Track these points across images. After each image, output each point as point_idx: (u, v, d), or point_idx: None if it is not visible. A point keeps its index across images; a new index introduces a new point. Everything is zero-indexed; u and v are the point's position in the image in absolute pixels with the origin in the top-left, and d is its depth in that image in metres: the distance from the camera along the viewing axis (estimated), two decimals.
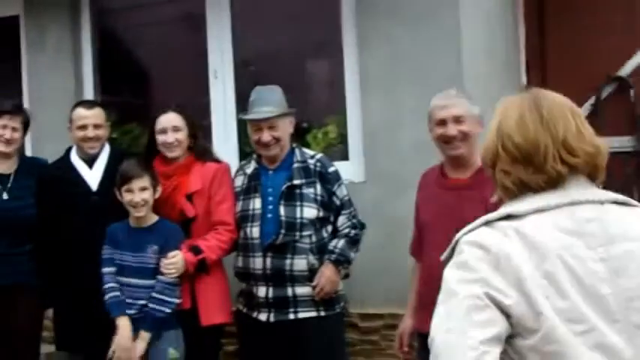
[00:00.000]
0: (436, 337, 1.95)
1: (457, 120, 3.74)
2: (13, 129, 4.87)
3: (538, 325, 1.90)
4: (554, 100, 2.19)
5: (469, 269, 2.00)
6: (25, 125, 5.00)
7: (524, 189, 2.09)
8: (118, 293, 4.43)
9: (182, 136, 4.65)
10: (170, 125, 4.64)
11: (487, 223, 2.07)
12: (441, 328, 1.95)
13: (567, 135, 2.08)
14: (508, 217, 2.05)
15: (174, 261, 4.39)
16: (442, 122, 3.77)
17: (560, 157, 2.06)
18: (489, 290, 1.92)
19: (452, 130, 3.73)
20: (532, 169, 2.07)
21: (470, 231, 2.09)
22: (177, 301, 4.39)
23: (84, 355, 4.74)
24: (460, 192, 3.71)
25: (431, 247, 3.79)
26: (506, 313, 1.91)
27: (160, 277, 4.37)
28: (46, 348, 5.24)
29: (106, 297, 4.41)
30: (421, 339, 3.91)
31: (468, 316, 1.91)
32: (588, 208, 2.04)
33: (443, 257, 2.17)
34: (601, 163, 2.12)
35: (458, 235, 2.12)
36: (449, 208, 3.72)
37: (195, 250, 4.47)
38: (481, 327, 1.89)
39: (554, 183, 2.06)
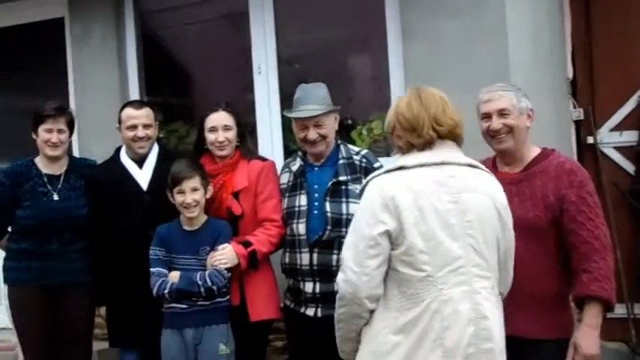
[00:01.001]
0: (346, 260, 3.18)
1: (501, 113, 3.75)
2: (59, 131, 4.91)
3: (402, 241, 3.09)
4: (430, 90, 3.32)
5: (371, 213, 3.13)
6: (70, 125, 5.03)
7: (411, 148, 3.23)
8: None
9: (232, 135, 4.68)
10: (221, 124, 4.66)
11: (387, 172, 3.22)
12: (350, 257, 3.16)
13: (436, 112, 3.22)
14: (401, 167, 3.19)
15: (225, 252, 4.44)
16: (487, 116, 3.79)
17: (432, 127, 3.19)
18: (380, 228, 3.10)
19: (496, 123, 3.75)
20: (415, 135, 3.21)
21: (376, 175, 3.24)
22: (224, 281, 4.43)
23: (136, 352, 4.82)
24: (510, 187, 3.67)
25: None
26: (388, 235, 3.09)
27: (210, 268, 4.43)
28: (99, 345, 5.32)
29: (162, 291, 4.43)
30: None
31: (365, 251, 3.12)
32: (452, 168, 3.17)
33: (358, 191, 3.54)
34: (459, 133, 3.26)
35: (368, 178, 3.29)
36: None
37: (245, 244, 4.51)
38: (373, 258, 3.11)
39: (429, 144, 3.21)
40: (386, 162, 4.61)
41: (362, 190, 3.28)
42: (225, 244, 4.48)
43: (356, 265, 3.13)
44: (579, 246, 3.55)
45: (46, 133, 4.88)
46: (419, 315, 3.08)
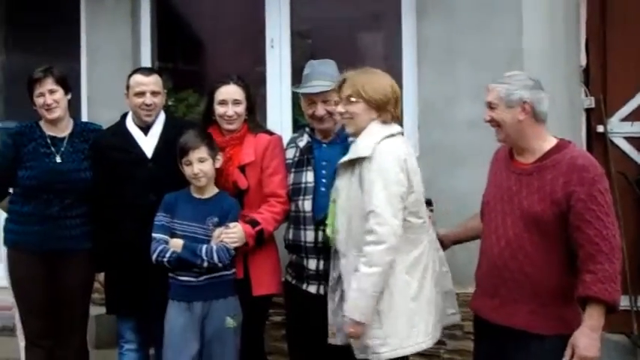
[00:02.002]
0: (383, 213, 3.77)
1: (489, 105, 3.70)
2: (50, 92, 4.83)
3: (410, 196, 3.86)
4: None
5: (395, 173, 3.81)
6: (61, 82, 4.92)
7: (393, 120, 4.01)
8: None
9: (241, 109, 4.63)
10: (231, 98, 4.62)
11: (391, 136, 3.93)
12: (389, 212, 3.77)
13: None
14: (397, 134, 3.97)
15: (235, 231, 4.40)
16: (487, 105, 3.76)
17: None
18: (403, 186, 3.82)
19: (486, 115, 3.72)
20: (397, 110, 4.04)
21: (384, 139, 3.89)
22: (229, 259, 4.40)
23: (134, 320, 4.80)
24: (520, 177, 3.66)
25: (488, 230, 3.80)
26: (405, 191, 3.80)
27: (218, 243, 4.38)
28: (97, 310, 5.30)
29: (161, 258, 4.38)
30: (478, 322, 3.91)
31: (397, 205, 3.79)
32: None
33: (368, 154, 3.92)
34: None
35: (375, 140, 3.89)
36: (508, 193, 3.70)
37: (253, 223, 4.48)
38: (401, 211, 3.81)
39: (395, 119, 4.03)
40: None
41: (369, 152, 3.88)
42: (235, 223, 4.44)
43: (395, 218, 3.78)
44: (585, 245, 3.46)
45: (40, 98, 4.86)
46: (420, 255, 3.92)
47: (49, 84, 4.83)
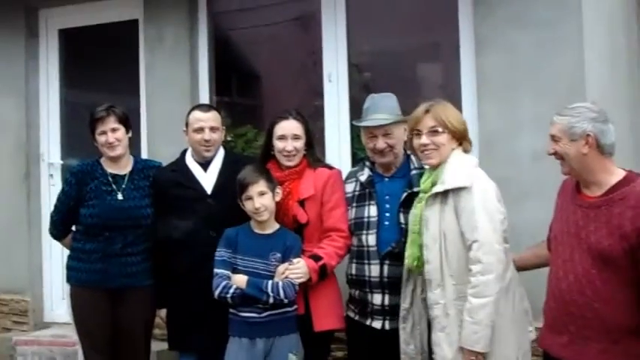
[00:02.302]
0: (488, 242, 3.79)
1: (553, 138, 3.66)
2: (112, 130, 4.93)
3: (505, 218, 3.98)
4: None
5: (496, 203, 3.91)
6: (123, 121, 5.01)
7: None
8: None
9: (300, 144, 4.65)
10: (290, 133, 4.63)
11: (476, 166, 4.06)
12: (495, 239, 3.81)
13: None
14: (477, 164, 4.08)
15: (300, 266, 4.40)
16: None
17: None
18: (502, 214, 3.93)
19: (549, 148, 3.68)
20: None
21: (474, 169, 4.00)
22: (294, 294, 4.39)
23: (195, 357, 4.78)
24: (587, 211, 3.57)
25: (556, 265, 3.71)
26: None
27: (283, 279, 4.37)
28: (158, 346, 5.37)
29: (224, 294, 4.37)
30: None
31: (501, 234, 3.86)
32: None
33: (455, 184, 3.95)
34: None
35: (469, 172, 3.96)
36: (575, 227, 3.61)
37: (315, 258, 4.47)
38: (502, 238, 3.87)
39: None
40: None
41: (469, 182, 3.93)
42: (299, 259, 4.44)
43: (500, 245, 3.83)
44: None
45: (102, 136, 4.93)
46: (511, 277, 3.94)
47: (112, 122, 4.92)
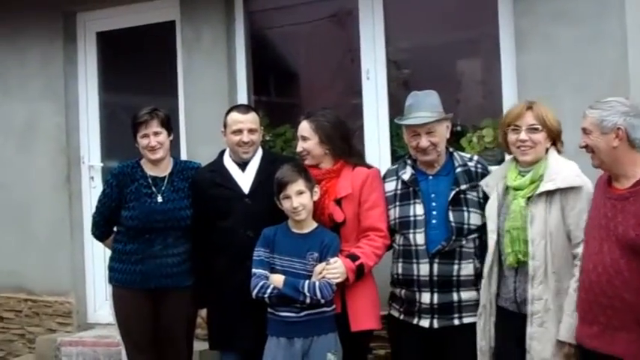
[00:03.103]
0: None
1: (584, 131, 3.77)
2: (155, 134, 4.98)
3: None
4: None
5: None
6: (165, 124, 5.06)
7: None
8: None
9: (310, 145, 4.68)
10: (300, 134, 4.72)
11: None
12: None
13: None
14: None
15: (337, 266, 4.39)
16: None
17: None
18: None
19: (581, 141, 3.80)
20: None
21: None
22: (332, 294, 4.38)
23: (236, 355, 4.82)
24: (615, 203, 3.69)
25: (587, 256, 3.81)
26: None
27: (320, 279, 4.38)
28: (201, 345, 5.42)
29: (262, 294, 4.39)
30: (581, 352, 3.88)
31: None
32: None
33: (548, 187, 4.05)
34: None
35: (576, 173, 4.01)
36: (605, 219, 3.72)
37: (353, 258, 4.47)
38: None
39: None
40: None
41: (581, 182, 4.01)
42: (336, 259, 4.43)
43: None
44: None
45: (144, 139, 4.98)
46: None
47: (154, 126, 4.98)
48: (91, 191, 7.06)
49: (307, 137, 4.67)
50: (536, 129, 4.13)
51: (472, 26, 5.90)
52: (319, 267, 4.39)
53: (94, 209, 5.34)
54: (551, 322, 4.01)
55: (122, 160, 5.46)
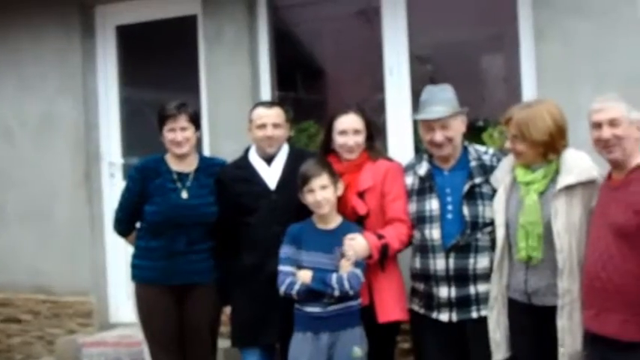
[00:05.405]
0: None
1: (612, 123, 4.07)
2: (182, 129, 5.27)
3: None
4: None
5: None
6: (193, 120, 5.35)
7: None
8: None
9: (361, 138, 5.01)
10: (351, 128, 4.99)
11: None
12: None
13: None
14: None
15: (359, 241, 4.72)
16: (597, 125, 4.14)
17: None
18: None
19: (606, 133, 4.08)
20: None
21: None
22: (360, 285, 4.71)
23: (259, 352, 5.16)
24: (610, 193, 4.13)
25: (587, 246, 4.24)
26: None
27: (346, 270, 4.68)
28: (226, 343, 5.62)
29: (290, 290, 4.73)
30: (587, 337, 4.28)
31: None
32: None
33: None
34: None
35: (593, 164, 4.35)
36: (603, 208, 4.14)
37: (378, 236, 4.79)
38: None
39: None
40: None
41: (593, 175, 4.36)
42: (355, 234, 4.73)
43: None
44: None
45: (170, 133, 5.26)
46: None
47: (182, 121, 5.29)
48: (112, 188, 7.41)
49: (360, 130, 5.00)
50: (518, 138, 4.47)
51: (493, 21, 6.24)
52: (344, 262, 4.68)
53: (114, 206, 5.61)
54: (578, 315, 4.30)
55: (143, 157, 5.73)
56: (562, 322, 4.36)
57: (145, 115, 7.04)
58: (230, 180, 5.27)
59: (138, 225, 5.48)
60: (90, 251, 7.46)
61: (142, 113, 7.40)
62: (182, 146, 5.31)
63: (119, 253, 7.28)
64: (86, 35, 7.56)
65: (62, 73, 7.58)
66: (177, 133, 5.30)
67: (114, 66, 7.65)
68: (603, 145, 4.14)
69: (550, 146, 4.44)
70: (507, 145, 4.57)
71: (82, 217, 7.47)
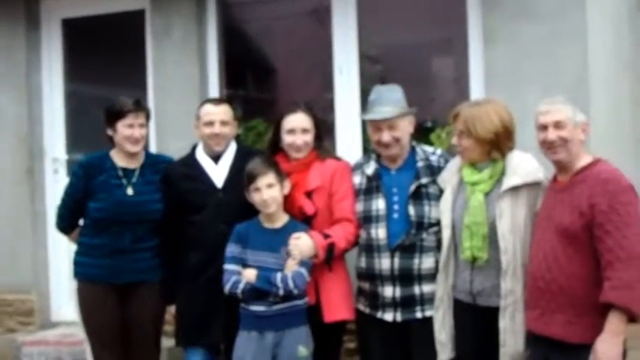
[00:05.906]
0: None
1: (557, 125, 4.22)
2: (140, 126, 5.31)
3: None
4: None
5: None
6: (148, 119, 5.44)
7: None
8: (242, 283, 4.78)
9: (310, 137, 5.09)
10: (300, 127, 5.07)
11: None
12: None
13: None
14: None
15: (304, 240, 4.78)
16: (543, 127, 4.28)
17: None
18: None
19: (552, 135, 4.22)
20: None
21: None
22: (304, 285, 4.79)
23: (202, 352, 5.20)
24: (557, 195, 4.27)
25: (531, 248, 4.39)
26: None
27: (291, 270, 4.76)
28: (169, 342, 5.65)
29: (234, 289, 4.78)
30: (531, 337, 4.41)
31: None
32: None
33: None
34: None
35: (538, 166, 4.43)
36: (548, 210, 4.29)
37: (324, 236, 4.85)
38: None
39: None
40: None
41: (539, 177, 4.52)
42: (300, 233, 4.80)
43: None
44: (604, 254, 3.97)
45: (127, 129, 5.27)
46: None
47: (141, 118, 5.35)
48: (55, 184, 7.40)
49: (308, 130, 5.07)
50: (464, 134, 4.60)
51: (442, 23, 6.41)
52: (291, 260, 4.76)
53: (57, 203, 5.63)
54: (520, 315, 4.42)
55: (88, 153, 5.75)
56: (504, 323, 4.48)
57: (91, 110, 7.03)
58: (176, 177, 5.29)
59: (81, 222, 5.48)
60: (32, 248, 7.45)
61: (87, 109, 7.40)
62: (139, 143, 5.35)
63: (62, 250, 7.29)
64: (31, 28, 7.55)
65: (5, 65, 7.55)
66: (136, 129, 5.33)
67: (59, 60, 7.66)
68: (548, 147, 4.28)
69: (495, 145, 4.55)
70: (454, 140, 4.69)
71: (24, 214, 7.46)
